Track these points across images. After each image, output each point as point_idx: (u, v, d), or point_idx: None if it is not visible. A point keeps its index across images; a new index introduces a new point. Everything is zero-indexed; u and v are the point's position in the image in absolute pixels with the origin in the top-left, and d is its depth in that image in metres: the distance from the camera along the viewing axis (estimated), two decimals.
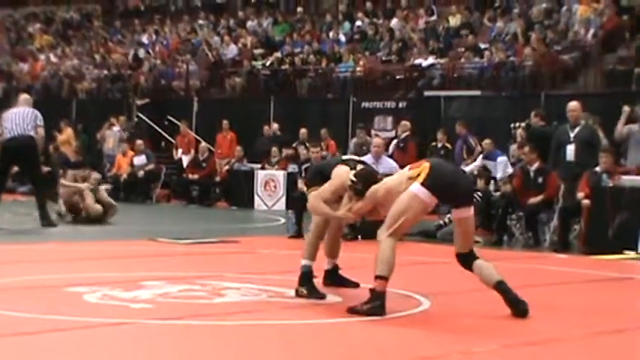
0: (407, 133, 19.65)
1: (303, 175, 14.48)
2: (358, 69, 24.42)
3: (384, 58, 24.58)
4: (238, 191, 20.66)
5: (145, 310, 6.89)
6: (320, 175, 7.81)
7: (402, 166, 8.49)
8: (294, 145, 20.55)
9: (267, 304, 7.36)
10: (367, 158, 11.78)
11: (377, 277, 6.87)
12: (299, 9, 28.92)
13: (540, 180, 13.47)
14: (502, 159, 16.33)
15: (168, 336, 6.11)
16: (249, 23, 29.12)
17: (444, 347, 5.99)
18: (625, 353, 6.16)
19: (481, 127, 18.83)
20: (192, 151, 22.70)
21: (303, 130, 21.10)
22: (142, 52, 29.80)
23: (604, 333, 6.73)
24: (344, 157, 8.52)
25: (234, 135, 22.81)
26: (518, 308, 6.97)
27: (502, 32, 23.41)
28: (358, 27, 26.55)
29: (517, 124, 17.14)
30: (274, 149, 20.83)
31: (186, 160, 22.42)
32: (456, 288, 8.41)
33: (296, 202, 13.57)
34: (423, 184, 6.90)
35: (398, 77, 23.68)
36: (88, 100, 28.53)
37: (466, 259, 7.17)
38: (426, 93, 22.55)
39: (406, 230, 7.45)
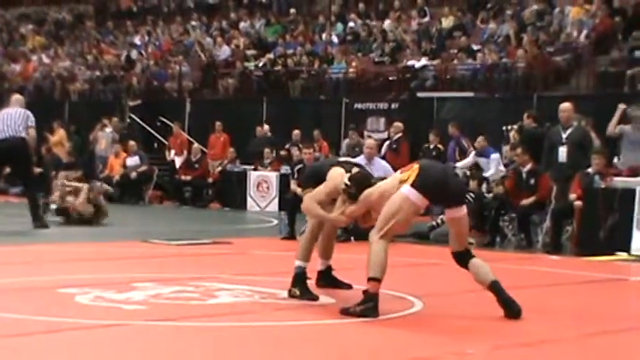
0: (399, 134, 19.63)
1: (295, 176, 14.47)
2: (351, 70, 24.43)
3: (376, 60, 24.58)
4: (231, 192, 20.65)
5: (138, 311, 6.88)
6: (315, 177, 7.81)
7: (394, 168, 8.51)
8: (286, 146, 20.56)
9: (260, 306, 7.36)
10: (360, 160, 11.78)
11: (370, 279, 6.88)
12: (292, 10, 28.86)
13: (533, 181, 13.49)
14: (495, 156, 16.37)
15: (160, 337, 6.10)
16: (241, 24, 29.09)
17: (436, 348, 6.00)
18: (617, 354, 6.18)
19: (474, 128, 18.80)
20: (185, 153, 22.64)
21: (295, 132, 21.06)
22: (134, 53, 29.75)
23: (596, 334, 6.74)
24: (340, 159, 8.51)
25: (227, 136, 22.78)
26: (511, 309, 6.99)
27: (495, 34, 23.43)
28: (351, 28, 26.54)
29: (510, 127, 17.13)
30: (267, 150, 20.81)
31: (178, 162, 22.37)
32: (449, 289, 8.42)
33: (288, 204, 13.57)
34: (413, 185, 6.93)
35: (391, 78, 23.66)
36: (80, 101, 28.47)
37: (462, 258, 7.18)
38: (419, 94, 22.54)
39: (398, 232, 7.45)
